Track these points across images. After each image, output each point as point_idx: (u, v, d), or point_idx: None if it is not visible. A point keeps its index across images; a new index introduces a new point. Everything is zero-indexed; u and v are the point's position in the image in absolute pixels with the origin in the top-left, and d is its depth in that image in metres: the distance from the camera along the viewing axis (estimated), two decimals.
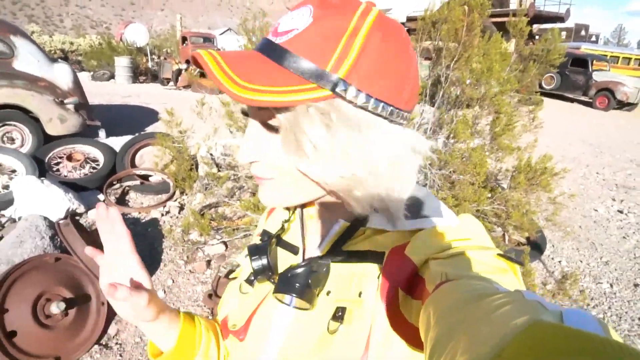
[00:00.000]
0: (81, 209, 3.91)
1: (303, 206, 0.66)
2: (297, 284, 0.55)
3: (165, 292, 3.03)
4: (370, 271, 0.55)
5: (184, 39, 17.05)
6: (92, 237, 2.93)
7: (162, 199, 4.52)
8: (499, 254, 0.49)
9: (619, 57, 19.13)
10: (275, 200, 0.57)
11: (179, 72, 13.76)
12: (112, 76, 14.77)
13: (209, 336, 0.71)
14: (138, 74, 15.55)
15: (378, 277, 0.53)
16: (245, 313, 0.65)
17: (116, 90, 11.97)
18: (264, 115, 0.51)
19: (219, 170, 4.94)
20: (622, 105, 14.67)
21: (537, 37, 16.99)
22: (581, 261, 3.90)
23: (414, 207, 0.57)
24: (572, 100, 15.34)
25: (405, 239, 0.54)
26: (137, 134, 5.65)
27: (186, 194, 4.63)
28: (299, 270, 0.56)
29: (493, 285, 0.39)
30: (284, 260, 0.65)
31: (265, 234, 0.72)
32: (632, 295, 3.36)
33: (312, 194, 0.55)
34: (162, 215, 4.21)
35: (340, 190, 0.52)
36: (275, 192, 0.56)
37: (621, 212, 5.18)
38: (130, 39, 17.83)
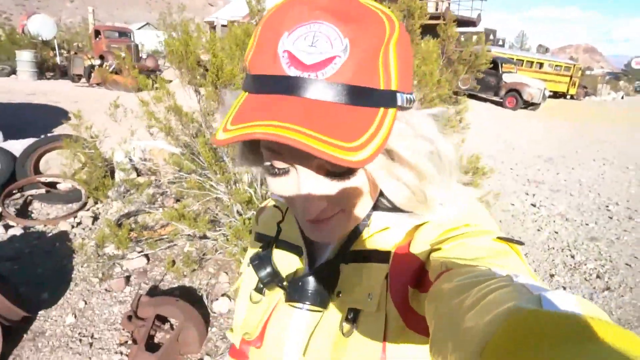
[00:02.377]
0: None
1: None
2: (310, 291, 0.55)
3: (75, 316, 2.69)
4: (377, 272, 0.54)
5: (97, 33, 15.82)
6: None
7: (73, 209, 4.08)
8: (499, 237, 0.49)
9: (523, 60, 20.86)
10: (336, 235, 0.54)
11: (92, 68, 12.74)
12: (13, 71, 13.34)
13: None
14: (45, 69, 14.22)
15: (386, 277, 0.53)
16: (258, 321, 0.64)
17: (18, 87, 10.77)
18: (328, 166, 0.48)
19: (138, 176, 4.57)
20: (528, 104, 16.00)
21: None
22: None
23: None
24: (485, 100, 16.43)
25: (408, 235, 0.55)
26: (42, 137, 5.07)
27: (101, 203, 4.22)
28: (311, 277, 0.56)
29: (489, 270, 0.39)
30: (288, 262, 0.64)
31: (262, 238, 0.71)
32: (549, 285, 3.58)
33: (367, 205, 0.55)
34: (73, 227, 3.79)
35: (415, 191, 0.51)
36: (339, 228, 0.53)
37: (534, 205, 5.56)
38: (34, 30, 16.25)
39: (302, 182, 0.49)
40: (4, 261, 3.18)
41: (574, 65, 22.62)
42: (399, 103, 0.46)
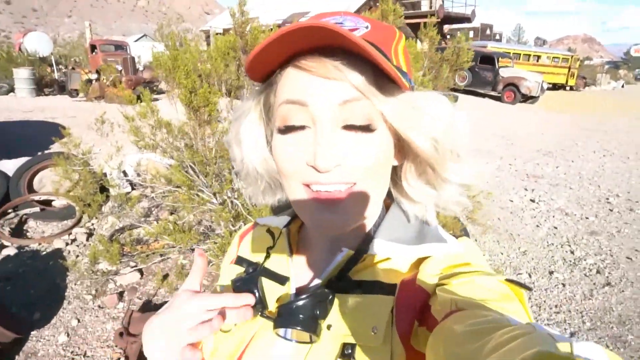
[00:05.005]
0: None
1: (289, 233, 0.64)
2: (301, 316, 0.50)
3: (68, 335, 2.68)
4: (381, 304, 0.51)
5: (92, 47, 15.89)
6: None
7: (68, 226, 4.08)
8: (506, 279, 0.48)
9: (520, 54, 20.79)
10: (348, 222, 0.52)
11: (89, 82, 12.79)
12: (11, 89, 13.41)
13: None
14: (43, 85, 14.29)
15: (391, 311, 0.50)
16: (231, 353, 0.58)
17: (16, 105, 10.83)
18: (347, 112, 0.48)
19: (133, 189, 4.56)
20: (526, 98, 15.94)
21: (448, 36, 17.99)
22: (502, 253, 4.05)
23: (416, 233, 0.56)
24: (483, 96, 16.37)
25: (412, 267, 0.53)
26: (37, 154, 5.08)
27: (96, 218, 4.21)
28: (303, 302, 0.51)
29: (504, 317, 0.38)
30: (271, 291, 0.58)
31: (245, 262, 0.66)
32: (548, 283, 3.54)
33: (380, 201, 0.56)
34: (67, 244, 3.78)
35: (432, 156, 0.51)
36: (353, 210, 0.51)
37: (533, 200, 5.51)
38: (30, 48, 16.37)
39: (321, 131, 0.48)
40: None
41: (572, 56, 22.54)
42: (409, 82, 0.50)
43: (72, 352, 2.57)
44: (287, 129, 0.50)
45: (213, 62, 2.90)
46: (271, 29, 3.59)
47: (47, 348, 2.58)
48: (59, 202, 4.41)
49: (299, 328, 0.50)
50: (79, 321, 2.81)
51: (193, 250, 3.42)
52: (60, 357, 2.53)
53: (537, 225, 4.73)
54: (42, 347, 2.59)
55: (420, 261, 0.53)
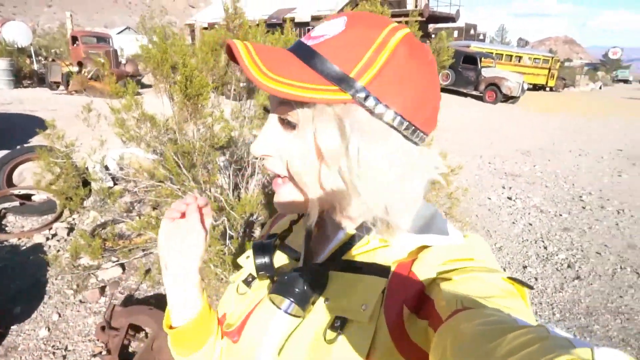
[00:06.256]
0: None
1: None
2: (296, 289, 0.54)
3: (49, 329, 2.69)
4: (374, 284, 0.53)
5: (74, 39, 15.57)
6: None
7: (48, 220, 4.05)
8: (509, 277, 0.48)
9: (502, 54, 21.12)
10: (287, 208, 0.58)
11: (70, 75, 12.57)
12: None
13: (219, 329, 0.72)
14: (21, 77, 13.98)
15: (382, 292, 0.52)
16: (240, 314, 0.65)
17: None
18: (283, 110, 0.53)
19: (115, 184, 4.55)
20: (507, 98, 16.22)
21: (433, 35, 18.15)
22: None
23: (421, 224, 0.57)
24: (465, 95, 16.61)
25: (411, 255, 0.54)
26: (17, 147, 5.01)
27: (77, 213, 4.20)
28: (297, 274, 0.56)
29: (511, 317, 0.38)
30: (285, 264, 0.65)
31: (271, 236, 0.72)
32: (522, 277, 3.67)
33: (320, 200, 0.56)
34: (48, 239, 3.77)
35: (338, 193, 0.53)
36: (287, 193, 0.57)
37: (510, 198, 5.67)
38: (8, 38, 15.94)
39: (265, 124, 0.56)
40: None
41: (552, 57, 22.98)
42: (359, 97, 0.48)
43: (53, 346, 2.58)
44: (267, 111, 0.58)
45: (203, 55, 2.92)
46: (257, 25, 3.63)
47: (27, 342, 2.59)
48: (39, 197, 4.38)
49: (292, 300, 0.53)
50: (60, 315, 2.82)
51: None
52: (40, 351, 2.54)
53: (513, 222, 4.88)
54: (23, 342, 2.59)
55: (420, 250, 0.54)
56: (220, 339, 0.71)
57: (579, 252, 4.14)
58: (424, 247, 0.54)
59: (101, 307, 2.93)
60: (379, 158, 0.51)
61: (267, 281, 0.64)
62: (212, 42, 3.39)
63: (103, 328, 2.55)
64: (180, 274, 0.65)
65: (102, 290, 3.08)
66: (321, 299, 0.55)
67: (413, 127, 0.51)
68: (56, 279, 3.16)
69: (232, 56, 0.52)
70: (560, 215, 5.13)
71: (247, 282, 0.67)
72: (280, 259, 0.66)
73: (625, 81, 50.83)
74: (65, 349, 2.56)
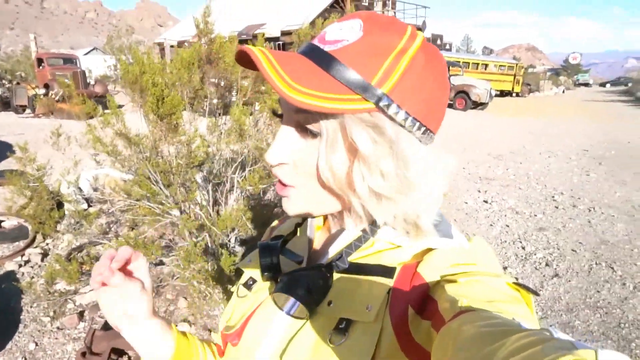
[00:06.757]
0: None
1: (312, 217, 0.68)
2: (300, 289, 0.53)
3: (26, 359, 2.58)
4: (379, 285, 0.53)
5: (39, 61, 15.25)
6: None
7: (20, 247, 3.90)
8: (514, 282, 0.49)
9: (469, 62, 21.76)
10: (301, 208, 0.57)
11: (35, 97, 12.26)
12: None
13: (204, 347, 0.72)
14: None
15: (388, 293, 0.52)
16: (241, 317, 0.64)
17: None
18: (301, 118, 0.52)
19: (89, 206, 4.43)
20: (477, 105, 16.67)
21: None
22: None
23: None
24: None
25: (416, 257, 0.54)
26: None
27: (50, 238, 4.06)
28: (302, 273, 0.56)
29: (514, 321, 0.38)
30: (288, 267, 0.64)
31: (276, 237, 0.70)
32: None
33: (331, 205, 0.56)
34: (20, 266, 3.63)
35: (367, 201, 0.53)
36: (300, 200, 0.56)
37: (486, 201, 5.79)
38: None
39: (279, 131, 0.55)
40: None
41: (517, 64, 23.79)
42: (382, 105, 0.48)
43: None
44: (278, 117, 0.58)
45: (177, 72, 2.90)
46: (230, 41, 3.64)
47: None
48: (9, 222, 4.22)
49: (296, 298, 0.53)
50: (37, 344, 2.71)
51: (156, 264, 3.37)
52: None
53: (491, 225, 4.98)
54: None
55: (425, 253, 0.54)
56: (209, 354, 0.71)
57: (555, 251, 4.25)
58: (429, 249, 0.54)
59: (80, 332, 2.82)
60: (406, 164, 0.51)
61: (269, 284, 0.63)
62: (189, 58, 3.38)
63: (84, 354, 2.46)
64: (136, 330, 0.63)
65: (81, 315, 2.98)
66: (325, 301, 0.55)
67: (428, 130, 0.53)
68: (31, 307, 3.04)
69: (245, 63, 0.52)
70: (535, 215, 5.26)
71: (248, 285, 0.67)
72: (283, 262, 0.66)
73: (586, 84, 53.11)
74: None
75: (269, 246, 0.64)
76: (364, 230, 0.58)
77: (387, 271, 0.54)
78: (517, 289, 0.48)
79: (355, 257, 0.57)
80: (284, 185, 0.56)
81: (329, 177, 0.52)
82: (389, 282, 0.52)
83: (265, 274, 0.63)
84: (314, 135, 0.52)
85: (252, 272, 0.68)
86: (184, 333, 0.69)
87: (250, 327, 0.62)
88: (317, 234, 0.67)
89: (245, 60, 0.52)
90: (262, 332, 0.60)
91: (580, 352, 0.27)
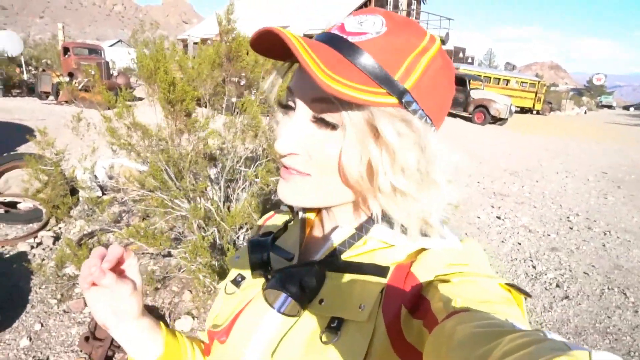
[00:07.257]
0: None
1: (305, 211, 0.67)
2: (292, 285, 0.52)
3: (31, 339, 2.61)
4: (373, 284, 0.52)
5: (65, 50, 15.55)
6: None
7: (33, 229, 3.97)
8: (506, 284, 0.48)
9: (490, 77, 21.56)
10: (298, 199, 0.56)
11: (60, 85, 12.50)
12: None
13: (192, 345, 0.70)
14: (10, 86, 13.87)
15: (381, 292, 0.51)
16: (228, 314, 0.63)
17: None
18: (319, 108, 0.51)
19: (103, 194, 4.49)
20: (496, 120, 16.49)
21: None
22: None
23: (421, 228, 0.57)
24: (454, 116, 16.84)
25: (410, 257, 0.54)
26: (3, 155, 4.94)
27: (63, 222, 4.12)
28: (294, 270, 0.55)
29: (508, 322, 0.39)
30: (278, 264, 0.62)
31: (266, 234, 0.69)
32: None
33: (341, 197, 0.55)
34: (32, 247, 3.69)
35: (386, 196, 0.52)
36: (302, 190, 0.54)
37: (499, 217, 5.71)
38: None
39: (293, 118, 0.53)
40: None
41: (539, 81, 23.51)
42: (405, 101, 0.49)
43: (33, 356, 2.50)
44: (283, 107, 0.56)
45: (198, 67, 2.93)
46: (247, 39, 3.66)
47: (7, 352, 2.51)
48: (24, 205, 4.30)
49: (288, 294, 0.52)
50: (42, 325, 2.74)
51: (164, 255, 3.39)
52: None
53: (502, 241, 4.90)
54: (2, 351, 2.51)
55: (419, 253, 0.54)
56: (198, 352, 0.70)
57: (567, 272, 4.17)
58: (423, 249, 0.54)
59: (85, 317, 2.85)
60: (437, 158, 0.52)
61: (258, 280, 0.62)
62: (213, 55, 3.41)
63: (87, 338, 2.49)
64: (125, 329, 0.61)
65: None
66: (317, 299, 0.54)
67: (435, 130, 0.54)
68: (40, 288, 3.08)
69: (263, 50, 0.52)
70: (549, 235, 5.17)
71: (236, 282, 0.66)
72: (273, 258, 0.64)
73: (609, 107, 52.23)
74: (47, 359, 2.48)
75: (259, 242, 0.63)
76: (357, 228, 0.57)
77: (381, 270, 0.53)
78: (509, 290, 0.48)
79: (348, 255, 0.56)
80: (295, 171, 0.54)
81: (351, 169, 0.51)
82: (383, 282, 0.52)
83: (256, 271, 0.61)
84: (332, 126, 0.51)
85: (240, 269, 0.67)
86: (172, 332, 0.68)
87: (239, 324, 0.61)
88: (308, 231, 0.66)
89: (264, 47, 0.51)
90: (251, 329, 0.59)
91: (575, 352, 0.27)
